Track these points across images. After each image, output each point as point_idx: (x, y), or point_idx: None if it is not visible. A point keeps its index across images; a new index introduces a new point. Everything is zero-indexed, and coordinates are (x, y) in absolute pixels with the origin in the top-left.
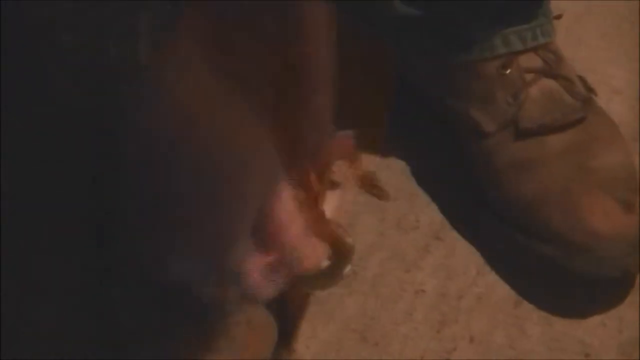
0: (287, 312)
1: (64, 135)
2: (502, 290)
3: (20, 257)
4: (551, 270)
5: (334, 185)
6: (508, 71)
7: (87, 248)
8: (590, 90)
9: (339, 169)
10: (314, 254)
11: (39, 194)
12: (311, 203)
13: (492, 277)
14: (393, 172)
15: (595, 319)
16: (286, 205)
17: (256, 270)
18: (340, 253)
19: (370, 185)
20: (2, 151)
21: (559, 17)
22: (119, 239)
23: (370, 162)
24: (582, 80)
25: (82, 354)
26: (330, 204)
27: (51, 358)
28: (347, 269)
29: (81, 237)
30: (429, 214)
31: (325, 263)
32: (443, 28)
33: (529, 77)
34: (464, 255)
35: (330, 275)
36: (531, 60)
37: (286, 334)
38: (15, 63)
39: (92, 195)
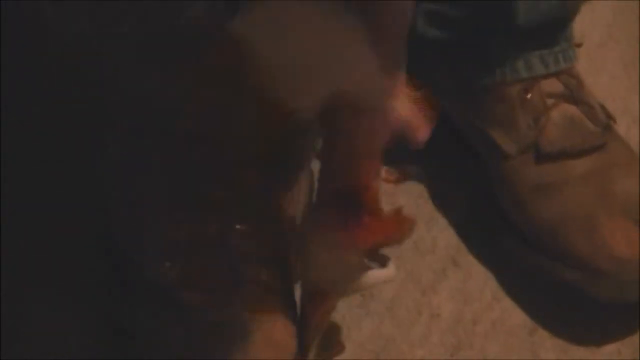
0: (304, 330)
1: (64, 135)
2: (517, 316)
3: (20, 257)
4: (567, 297)
5: None
6: (529, 95)
7: (88, 248)
8: (609, 117)
9: None
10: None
11: (39, 194)
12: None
13: (508, 303)
14: (411, 194)
15: (611, 347)
16: None
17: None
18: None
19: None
20: (2, 151)
21: (579, 45)
22: (120, 238)
23: (388, 184)
24: (602, 107)
25: (83, 354)
26: None
27: (51, 358)
28: None
29: (82, 237)
30: (446, 237)
31: None
32: (466, 51)
33: (550, 101)
34: (480, 280)
35: None
36: (553, 85)
37: (302, 353)
38: (15, 63)
39: (93, 195)
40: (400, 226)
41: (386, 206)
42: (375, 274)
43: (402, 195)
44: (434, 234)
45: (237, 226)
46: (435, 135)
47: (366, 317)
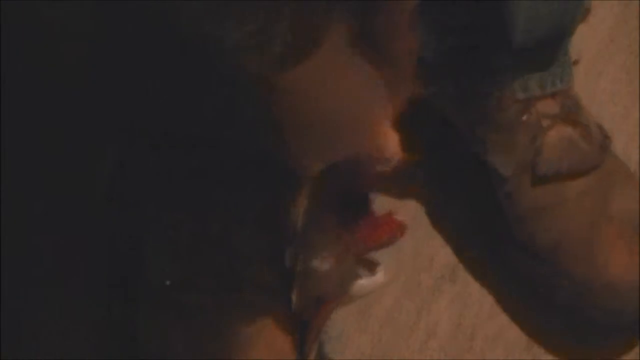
0: (304, 336)
1: (64, 136)
2: (513, 332)
3: (20, 258)
4: (563, 315)
5: None
6: (525, 116)
7: (88, 248)
8: (606, 136)
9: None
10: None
11: (40, 195)
12: None
13: (504, 319)
14: (409, 210)
15: None
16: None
17: None
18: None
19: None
20: (2, 151)
21: (576, 62)
22: (121, 239)
23: (386, 201)
24: (599, 126)
25: (83, 354)
26: None
27: (51, 358)
28: None
29: (82, 237)
30: (444, 253)
31: None
32: (463, 72)
33: (546, 122)
34: (477, 296)
35: None
36: (549, 106)
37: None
38: (15, 63)
39: (94, 196)
40: (392, 228)
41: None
42: (366, 283)
43: (400, 211)
44: (432, 250)
45: (238, 228)
46: (434, 153)
47: (363, 332)
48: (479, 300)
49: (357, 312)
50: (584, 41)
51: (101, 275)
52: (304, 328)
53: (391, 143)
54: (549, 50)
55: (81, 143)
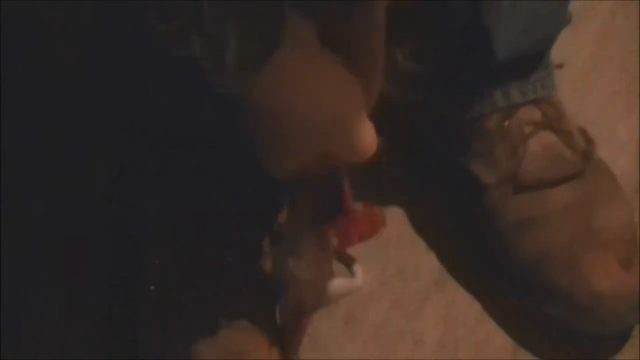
0: (287, 344)
1: (65, 137)
2: (500, 339)
3: (21, 258)
4: (550, 323)
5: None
6: (507, 123)
7: (88, 248)
8: (590, 142)
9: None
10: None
11: (41, 195)
12: None
13: (491, 326)
14: (394, 220)
15: None
16: None
17: None
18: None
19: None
20: (2, 151)
21: (560, 66)
22: (122, 240)
23: None
24: (583, 132)
25: (83, 354)
26: None
27: (51, 358)
28: None
29: (82, 237)
30: (430, 263)
31: None
32: (445, 84)
33: (528, 129)
34: (464, 305)
35: None
36: (531, 113)
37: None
38: (16, 63)
39: (94, 195)
40: (372, 220)
41: None
42: (344, 284)
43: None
44: (418, 261)
45: (238, 229)
46: (419, 165)
47: (351, 344)
48: (466, 307)
49: (346, 321)
50: (584, 41)
51: (101, 275)
52: (286, 341)
53: (367, 135)
54: (531, 62)
55: (81, 143)
